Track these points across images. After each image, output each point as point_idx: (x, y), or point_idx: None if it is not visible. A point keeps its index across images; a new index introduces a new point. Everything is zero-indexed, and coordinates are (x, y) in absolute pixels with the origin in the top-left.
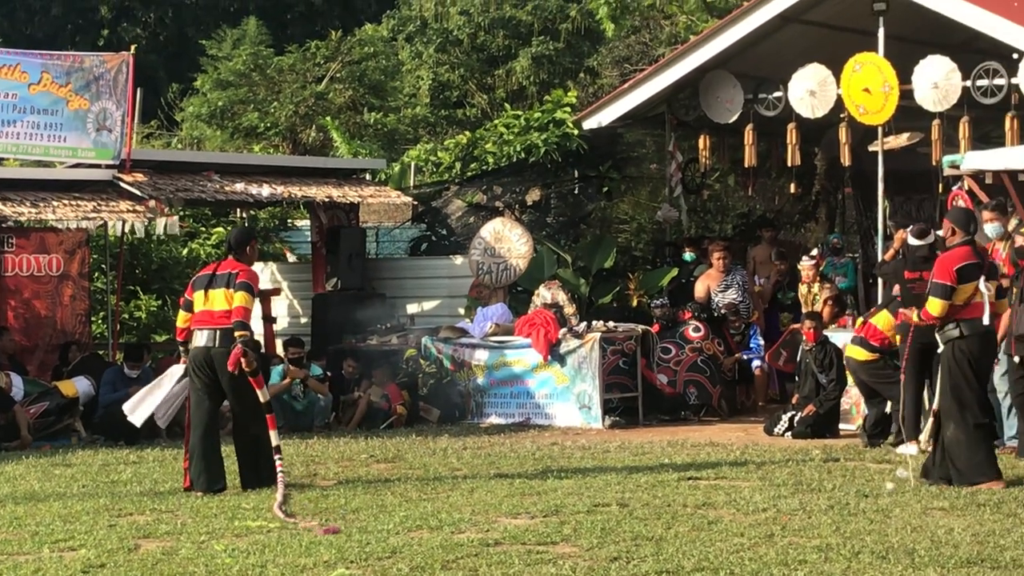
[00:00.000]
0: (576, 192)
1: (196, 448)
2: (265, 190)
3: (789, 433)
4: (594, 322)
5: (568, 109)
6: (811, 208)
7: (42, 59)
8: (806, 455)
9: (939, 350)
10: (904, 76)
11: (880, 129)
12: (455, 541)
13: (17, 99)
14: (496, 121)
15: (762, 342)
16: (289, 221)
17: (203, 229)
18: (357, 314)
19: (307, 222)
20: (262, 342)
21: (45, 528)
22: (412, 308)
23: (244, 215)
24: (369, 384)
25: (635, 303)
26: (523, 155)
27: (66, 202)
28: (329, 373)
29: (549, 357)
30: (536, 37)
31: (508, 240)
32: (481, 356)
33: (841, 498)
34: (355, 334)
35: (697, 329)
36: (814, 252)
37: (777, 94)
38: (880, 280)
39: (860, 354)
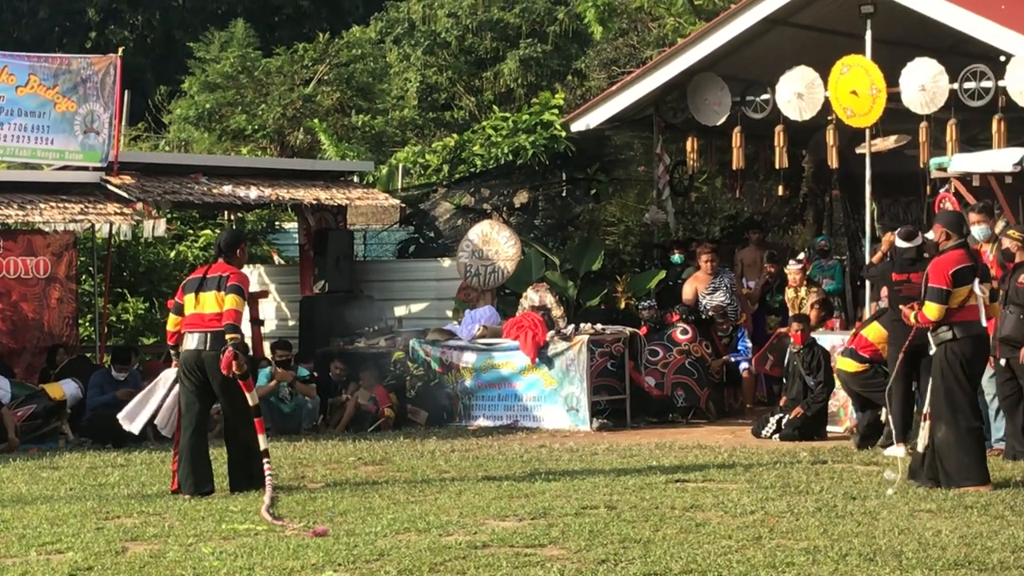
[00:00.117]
0: (564, 194)
1: (185, 450)
2: (253, 192)
3: (777, 435)
4: (582, 324)
5: (556, 111)
6: (799, 210)
7: (29, 61)
8: (794, 457)
9: (931, 351)
10: (891, 79)
11: (867, 132)
12: (443, 544)
13: (4, 101)
14: (484, 123)
15: (750, 344)
16: (277, 223)
17: (190, 232)
18: (345, 316)
19: (295, 224)
20: (250, 345)
21: (32, 531)
22: (400, 310)
23: (232, 217)
24: (357, 387)
25: (623, 305)
26: (511, 157)
27: (53, 204)
28: (316, 374)
29: (537, 359)
30: (524, 39)
31: (496, 242)
32: (469, 358)
33: (829, 500)
34: (343, 337)
35: (685, 331)
36: (801, 256)
37: (765, 97)
38: (868, 282)
39: (850, 366)
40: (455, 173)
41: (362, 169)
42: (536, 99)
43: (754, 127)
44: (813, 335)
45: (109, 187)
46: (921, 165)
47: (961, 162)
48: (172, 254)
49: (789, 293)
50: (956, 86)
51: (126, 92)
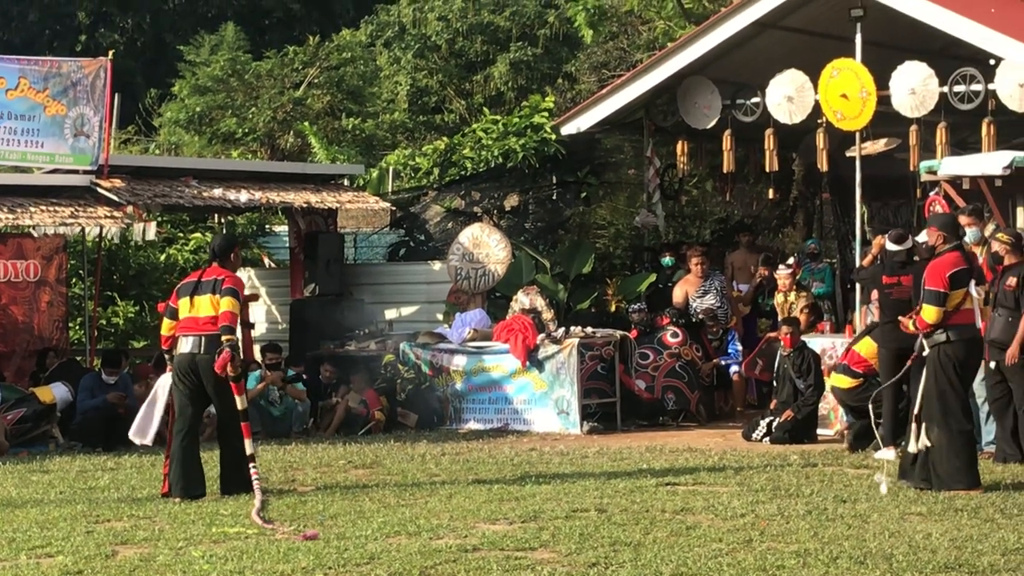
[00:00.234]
0: (554, 197)
1: (176, 454)
2: (243, 196)
3: (767, 438)
4: (572, 328)
5: (546, 114)
6: (789, 214)
7: (19, 64)
8: (784, 460)
9: (924, 353)
10: (881, 82)
11: (858, 135)
12: (433, 547)
13: None
14: (474, 126)
15: (740, 347)
16: (267, 227)
17: (181, 235)
18: (335, 320)
19: (285, 228)
20: (240, 348)
21: (22, 535)
22: (390, 313)
23: (222, 221)
24: (347, 390)
25: (613, 308)
26: (501, 160)
27: (43, 208)
28: (306, 376)
29: (527, 363)
30: (514, 43)
31: (486, 245)
32: (459, 361)
33: (819, 503)
34: (333, 340)
35: (675, 335)
36: (790, 261)
37: (755, 100)
38: (858, 286)
39: (844, 382)
40: (445, 176)
41: (352, 172)
42: (526, 102)
43: (744, 130)
44: (803, 338)
45: (99, 190)
46: (911, 168)
47: (951, 165)
48: (162, 257)
49: (779, 298)
50: (946, 89)
51: (116, 95)
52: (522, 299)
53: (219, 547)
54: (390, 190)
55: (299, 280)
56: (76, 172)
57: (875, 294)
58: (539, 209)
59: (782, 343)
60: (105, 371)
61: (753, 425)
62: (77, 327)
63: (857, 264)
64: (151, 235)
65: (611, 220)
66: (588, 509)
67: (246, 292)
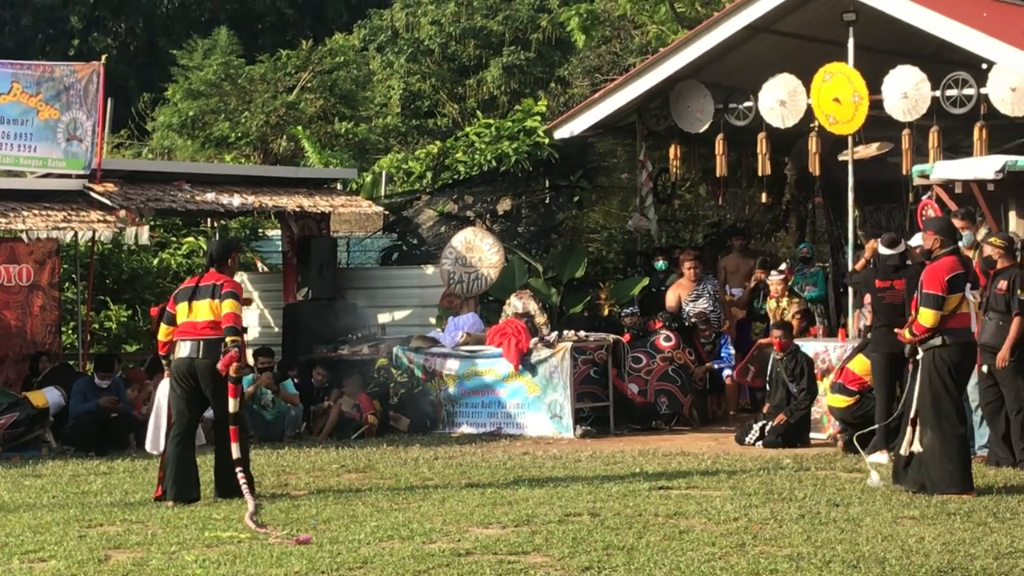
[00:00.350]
0: (547, 202)
1: (171, 457)
2: (236, 200)
3: (760, 442)
4: (565, 331)
5: (538, 118)
6: (781, 217)
7: (12, 69)
8: (777, 464)
9: (918, 356)
10: (874, 86)
11: (850, 139)
12: (426, 551)
13: None
14: (467, 129)
15: (733, 351)
16: (260, 231)
17: (174, 239)
18: (328, 324)
19: (278, 232)
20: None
21: (15, 539)
22: (383, 318)
23: (215, 225)
24: (339, 393)
25: (606, 312)
26: (494, 164)
27: (36, 212)
28: (297, 380)
29: (520, 367)
30: (507, 47)
31: (479, 250)
32: (452, 366)
33: (812, 507)
34: (326, 344)
35: (668, 338)
36: (782, 267)
37: (747, 104)
38: (851, 290)
39: (841, 401)
40: (438, 180)
41: (345, 176)
42: (519, 106)
43: (737, 134)
44: (796, 343)
45: (92, 195)
46: (904, 172)
47: (943, 169)
48: (155, 262)
49: (771, 304)
50: (938, 93)
51: (109, 99)
52: (515, 303)
53: (212, 551)
54: (383, 194)
55: (292, 284)
56: (69, 176)
57: (868, 298)
58: (532, 213)
59: (773, 347)
60: (98, 375)
61: (746, 429)
62: (70, 331)
63: (850, 268)
64: (144, 239)
65: (604, 224)
66: (581, 513)
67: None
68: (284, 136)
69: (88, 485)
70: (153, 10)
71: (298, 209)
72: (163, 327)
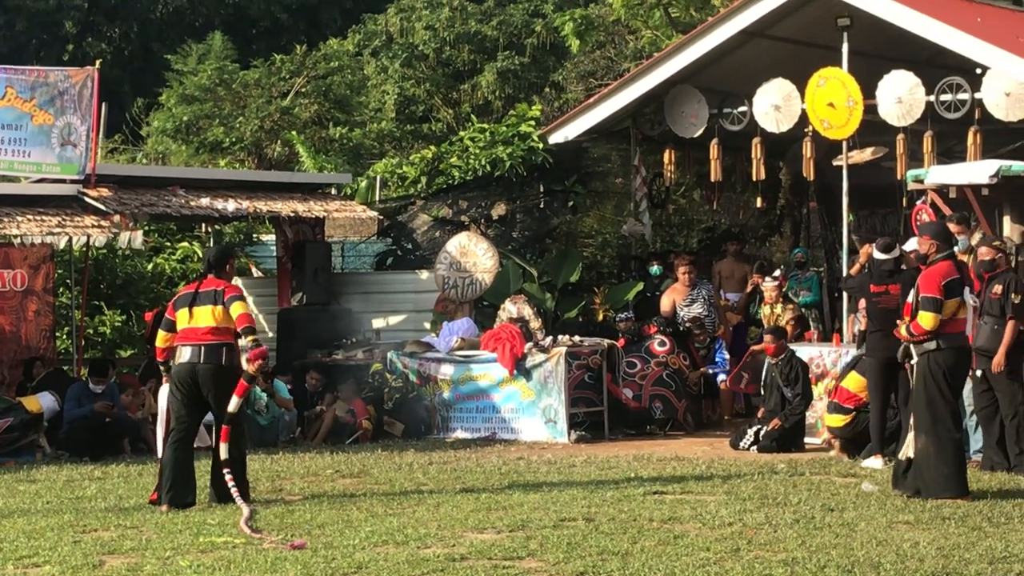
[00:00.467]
0: (542, 206)
1: (168, 462)
2: (231, 205)
3: (755, 447)
4: (560, 336)
5: (533, 123)
6: (776, 222)
7: (6, 74)
8: (772, 469)
9: (912, 361)
10: (868, 91)
11: (844, 143)
12: (421, 556)
13: None
14: (462, 134)
15: (727, 356)
16: (255, 236)
17: (168, 244)
18: (323, 329)
19: (272, 237)
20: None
21: (9, 544)
22: (378, 323)
23: (209, 230)
24: (333, 398)
25: (601, 317)
26: (488, 169)
27: (31, 217)
28: (291, 386)
29: (515, 371)
30: (501, 52)
31: (474, 254)
32: (447, 370)
33: (807, 512)
34: (321, 349)
35: (663, 343)
36: (776, 273)
37: (742, 109)
38: (845, 294)
39: (838, 421)
40: (433, 185)
41: (340, 181)
42: (513, 111)
43: (731, 139)
44: (791, 347)
45: (86, 200)
46: (898, 177)
47: (938, 174)
48: (149, 267)
49: (765, 310)
50: (932, 98)
51: (103, 105)
52: (510, 308)
53: (206, 557)
54: (377, 199)
55: (286, 289)
56: (63, 181)
57: (863, 303)
58: (526, 218)
59: (766, 352)
60: (92, 380)
61: (740, 434)
62: (64, 336)
63: (844, 273)
64: (138, 243)
65: (598, 229)
66: (576, 518)
67: None
68: (278, 141)
69: (82, 490)
70: (147, 15)
71: (292, 214)
72: (161, 333)
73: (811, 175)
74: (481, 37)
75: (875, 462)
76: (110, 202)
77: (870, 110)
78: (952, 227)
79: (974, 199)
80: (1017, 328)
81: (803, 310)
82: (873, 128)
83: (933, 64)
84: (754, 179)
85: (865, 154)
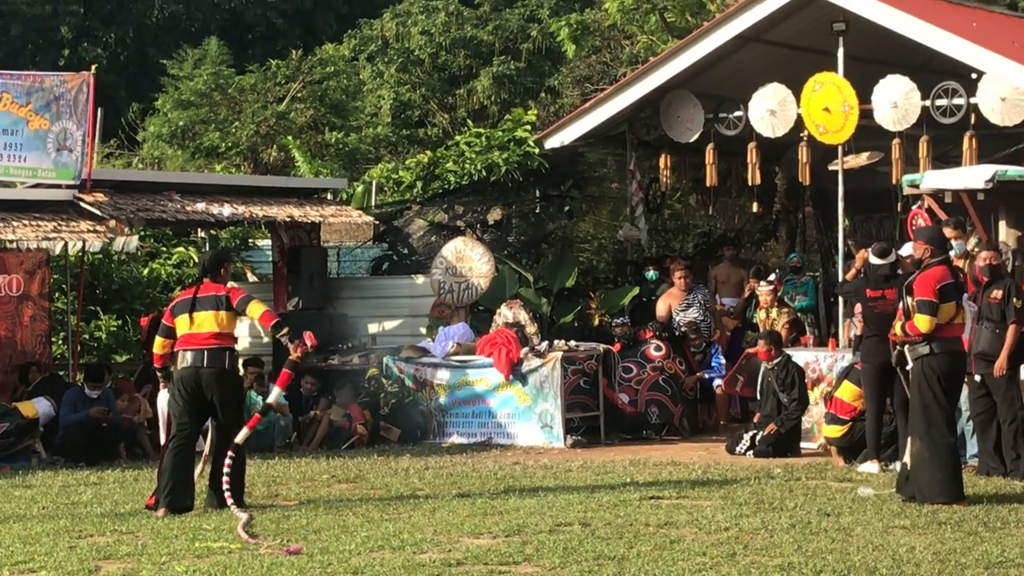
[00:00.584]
0: (537, 211)
1: (168, 466)
2: (226, 210)
3: (751, 452)
4: (555, 341)
5: (528, 128)
6: (771, 227)
7: (2, 79)
8: (768, 474)
9: (908, 367)
10: (864, 96)
11: (840, 148)
12: (417, 561)
13: None
14: (458, 139)
15: (723, 361)
16: (250, 241)
17: (164, 249)
18: (319, 334)
19: (268, 242)
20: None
21: (5, 550)
22: (374, 327)
23: (205, 235)
24: (328, 403)
25: (596, 322)
26: (484, 174)
27: (26, 222)
28: (286, 393)
29: (511, 376)
30: (497, 57)
31: (470, 259)
32: (443, 375)
33: (803, 517)
34: (317, 354)
35: (658, 348)
36: (772, 277)
37: (737, 113)
38: (841, 299)
39: (835, 431)
40: (428, 190)
41: (335, 186)
42: (509, 116)
43: (727, 144)
44: (787, 352)
45: (82, 205)
46: (893, 182)
47: (933, 179)
48: (145, 272)
49: (760, 314)
50: (928, 103)
51: (99, 110)
52: (505, 313)
53: (202, 562)
54: (373, 204)
55: (282, 294)
56: (59, 186)
57: (858, 308)
58: (522, 223)
59: (760, 357)
60: (88, 385)
61: (736, 439)
62: (60, 341)
63: (840, 278)
64: (133, 247)
65: (594, 234)
66: (572, 523)
67: None
68: (274, 146)
69: (78, 496)
70: (143, 20)
71: (288, 219)
72: (158, 340)
73: (807, 180)
74: (477, 42)
75: (871, 467)
76: (106, 207)
77: (866, 115)
78: (948, 232)
79: (970, 204)
80: (1018, 332)
81: (799, 314)
82: (869, 133)
83: (929, 69)
84: (750, 184)
85: (861, 159)
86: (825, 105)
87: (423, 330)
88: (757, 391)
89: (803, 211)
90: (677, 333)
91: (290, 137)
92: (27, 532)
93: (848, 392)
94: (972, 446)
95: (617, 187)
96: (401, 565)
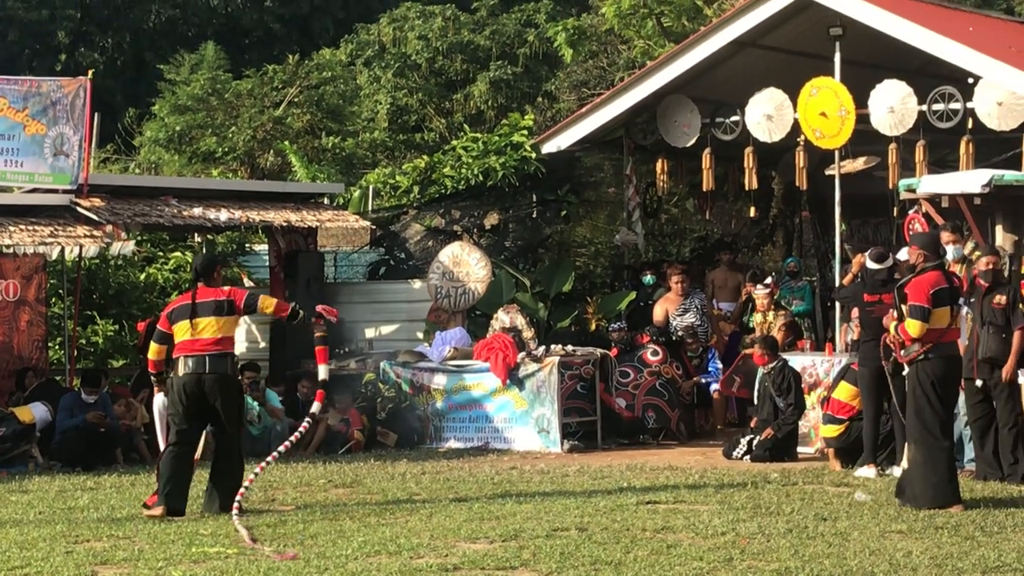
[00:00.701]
0: (534, 216)
1: (167, 467)
2: (223, 215)
3: (747, 456)
4: (552, 346)
5: (525, 133)
6: (768, 232)
7: None
8: (764, 478)
9: (903, 373)
10: (860, 100)
11: (837, 153)
12: (414, 566)
13: None
14: (455, 144)
15: (720, 365)
16: (247, 246)
17: (160, 254)
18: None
19: (265, 246)
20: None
21: (2, 555)
22: (370, 332)
23: (202, 240)
24: (326, 408)
25: (593, 327)
26: (481, 179)
27: (23, 227)
28: (283, 398)
29: (508, 381)
30: (494, 62)
31: (466, 264)
32: (440, 380)
33: (800, 521)
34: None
35: (655, 353)
36: (768, 281)
37: (734, 118)
38: (838, 304)
39: (833, 431)
40: (425, 195)
41: (332, 191)
42: (506, 121)
43: (724, 149)
44: (784, 356)
45: (79, 210)
46: (890, 186)
47: (930, 184)
48: (142, 277)
49: (757, 317)
50: (925, 108)
51: (96, 115)
52: (502, 317)
53: (199, 567)
54: (370, 209)
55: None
56: (55, 191)
57: (856, 312)
58: (519, 227)
59: (755, 363)
60: (85, 390)
61: (733, 443)
62: (57, 346)
63: (837, 282)
64: (129, 251)
65: (591, 238)
66: (569, 528)
67: None
68: (271, 151)
69: (75, 501)
70: (140, 25)
71: (285, 224)
72: (154, 346)
73: (803, 184)
74: (474, 47)
75: (868, 472)
76: (102, 212)
77: (862, 120)
78: (945, 236)
79: (966, 208)
80: None
81: (795, 317)
82: (865, 137)
83: (925, 74)
84: (747, 188)
85: (857, 163)
86: (822, 110)
87: (420, 335)
88: (754, 394)
89: (800, 216)
90: (674, 338)
91: (287, 142)
92: (24, 537)
93: (845, 392)
94: (969, 451)
95: (614, 192)
96: (398, 570)
